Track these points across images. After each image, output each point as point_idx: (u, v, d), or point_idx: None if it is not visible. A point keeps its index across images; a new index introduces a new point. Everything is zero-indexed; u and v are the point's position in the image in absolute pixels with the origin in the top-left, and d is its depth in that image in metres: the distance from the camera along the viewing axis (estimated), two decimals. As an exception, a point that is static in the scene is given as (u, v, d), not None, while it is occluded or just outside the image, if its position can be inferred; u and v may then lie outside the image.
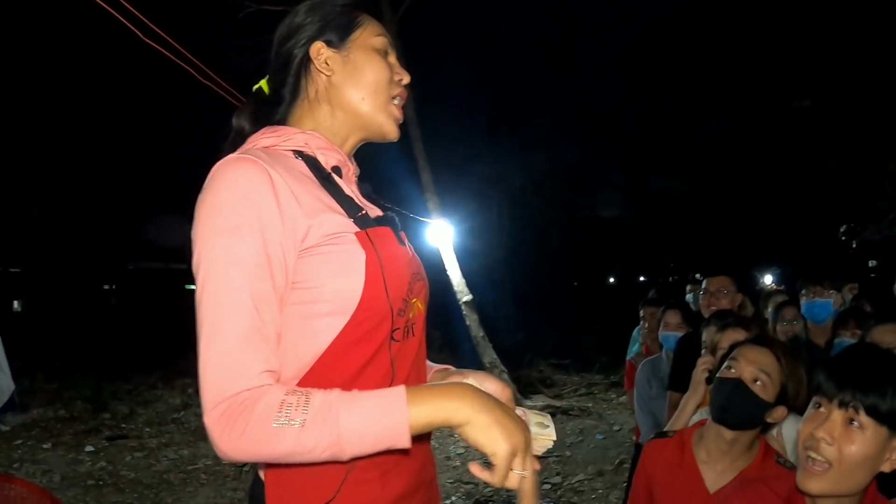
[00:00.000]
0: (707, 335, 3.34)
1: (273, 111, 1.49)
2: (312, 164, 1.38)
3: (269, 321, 1.23)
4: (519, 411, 1.39)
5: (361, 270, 1.29)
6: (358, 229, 1.33)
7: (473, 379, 1.46)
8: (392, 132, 1.51)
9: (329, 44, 1.45)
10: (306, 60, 1.46)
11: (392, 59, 1.51)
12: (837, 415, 1.59)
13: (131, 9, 4.73)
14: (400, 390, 1.19)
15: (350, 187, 1.44)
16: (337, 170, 1.44)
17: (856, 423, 1.56)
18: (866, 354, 1.69)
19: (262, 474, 1.35)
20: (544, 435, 1.41)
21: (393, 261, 1.35)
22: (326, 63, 1.45)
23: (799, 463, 1.66)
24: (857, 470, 1.58)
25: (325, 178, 1.38)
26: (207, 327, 1.20)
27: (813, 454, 1.59)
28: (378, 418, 1.16)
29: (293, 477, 1.30)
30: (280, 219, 1.25)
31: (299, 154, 1.38)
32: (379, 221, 1.41)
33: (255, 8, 10.19)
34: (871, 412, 1.55)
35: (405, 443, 1.17)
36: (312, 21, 1.47)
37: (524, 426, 1.21)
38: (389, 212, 1.50)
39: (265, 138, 1.40)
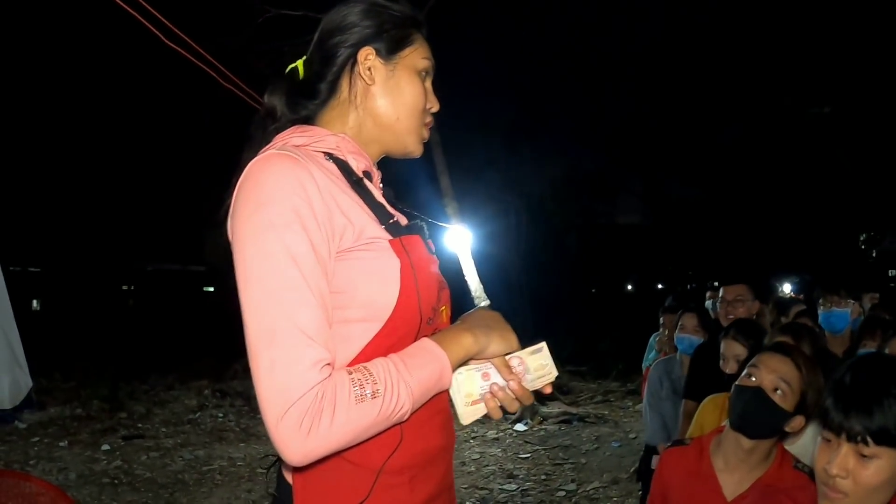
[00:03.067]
0: (725, 346, 3.32)
1: (306, 104, 1.46)
2: (343, 167, 1.36)
3: (329, 315, 1.23)
4: (515, 360, 1.42)
5: (396, 279, 1.28)
6: (391, 237, 1.32)
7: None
8: (417, 151, 1.51)
9: (378, 52, 1.43)
10: (352, 62, 1.43)
11: (428, 84, 1.50)
12: (847, 448, 1.55)
13: (155, 13, 4.77)
14: (430, 342, 1.30)
15: (378, 194, 1.42)
16: (367, 174, 1.42)
17: (868, 454, 1.53)
18: (868, 380, 1.60)
19: (289, 478, 1.33)
20: (545, 374, 1.45)
21: (424, 270, 1.35)
22: (370, 71, 1.42)
23: (819, 488, 1.63)
24: (877, 493, 1.56)
25: (356, 183, 1.36)
26: (267, 326, 1.17)
27: (829, 490, 1.57)
28: (430, 367, 1.26)
29: (323, 482, 1.29)
30: (323, 216, 1.24)
31: (329, 156, 1.36)
32: (409, 229, 1.40)
33: (274, 12, 10.23)
34: (881, 440, 1.51)
35: (448, 382, 1.31)
36: (367, 24, 1.44)
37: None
38: (416, 219, 1.49)
39: (296, 137, 1.37)
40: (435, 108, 1.51)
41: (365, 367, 1.20)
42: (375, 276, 1.27)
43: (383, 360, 1.23)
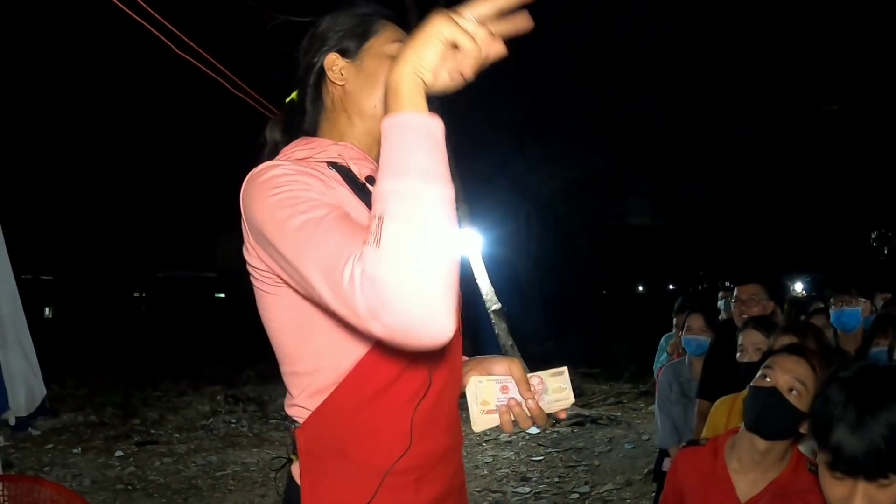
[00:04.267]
0: (744, 336, 3.31)
1: (300, 123, 1.52)
2: (346, 174, 1.39)
3: (360, 229, 1.15)
4: (535, 378, 1.44)
5: None
6: None
7: (481, 365, 1.52)
8: None
9: (344, 53, 1.47)
10: (322, 72, 1.49)
11: None
12: (863, 486, 1.51)
13: (165, 22, 4.81)
14: (382, 122, 1.11)
15: None
16: (371, 179, 1.43)
17: (886, 483, 1.48)
18: (873, 418, 1.50)
19: (297, 478, 1.36)
20: (563, 398, 1.44)
21: None
22: (341, 73, 1.47)
23: None
24: None
25: (360, 189, 1.38)
26: (316, 272, 1.12)
27: None
28: (396, 137, 1.08)
29: (330, 481, 1.32)
30: (331, 193, 1.27)
31: (333, 165, 1.39)
32: None
33: (282, 19, 10.26)
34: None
35: (426, 120, 1.09)
36: (333, 31, 1.49)
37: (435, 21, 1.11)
38: None
39: (299, 150, 1.41)
40: None
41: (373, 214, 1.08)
42: None
43: (376, 188, 1.10)
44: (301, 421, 1.35)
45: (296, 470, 1.38)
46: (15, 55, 17.23)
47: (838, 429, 1.52)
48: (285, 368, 1.39)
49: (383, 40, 1.49)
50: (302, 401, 1.35)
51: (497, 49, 1.13)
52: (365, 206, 1.34)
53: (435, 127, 1.10)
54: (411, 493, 1.33)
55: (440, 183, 1.07)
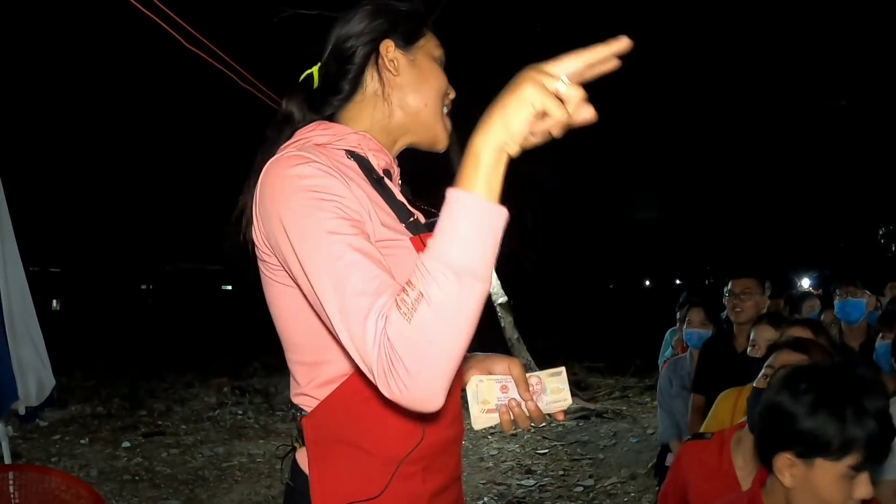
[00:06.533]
0: (756, 332, 3.31)
1: (327, 100, 1.47)
2: (364, 165, 1.38)
3: (380, 261, 1.18)
4: (534, 378, 1.45)
5: None
6: (411, 234, 1.34)
7: (482, 363, 1.52)
8: (444, 143, 1.53)
9: (398, 44, 1.46)
10: (374, 55, 1.46)
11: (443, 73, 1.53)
12: (866, 474, 1.58)
13: (173, 15, 4.82)
14: (449, 191, 1.09)
15: (398, 192, 1.44)
16: (387, 173, 1.44)
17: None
18: (874, 412, 1.61)
19: (304, 468, 1.36)
20: (560, 399, 1.45)
21: None
22: (394, 62, 1.45)
23: None
24: None
25: (377, 181, 1.38)
26: (333, 299, 1.13)
27: None
28: (453, 217, 1.07)
29: (339, 470, 1.32)
30: (351, 197, 1.24)
31: (351, 154, 1.37)
32: (429, 227, 1.40)
33: (290, 12, 10.25)
34: None
35: (498, 212, 1.07)
36: (381, 20, 1.47)
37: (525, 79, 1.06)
38: (434, 217, 1.50)
39: (318, 135, 1.38)
40: (452, 94, 1.54)
41: (407, 280, 1.09)
42: (397, 273, 1.25)
43: (420, 255, 1.10)
44: (308, 410, 1.34)
45: (301, 458, 1.38)
46: (24, 49, 17.27)
47: (866, 436, 1.58)
48: (292, 357, 1.38)
49: (432, 44, 1.50)
50: (310, 390, 1.34)
51: (587, 115, 1.07)
52: (382, 200, 1.35)
53: (500, 221, 1.08)
54: (419, 483, 1.34)
55: (484, 283, 1.07)
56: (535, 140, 1.10)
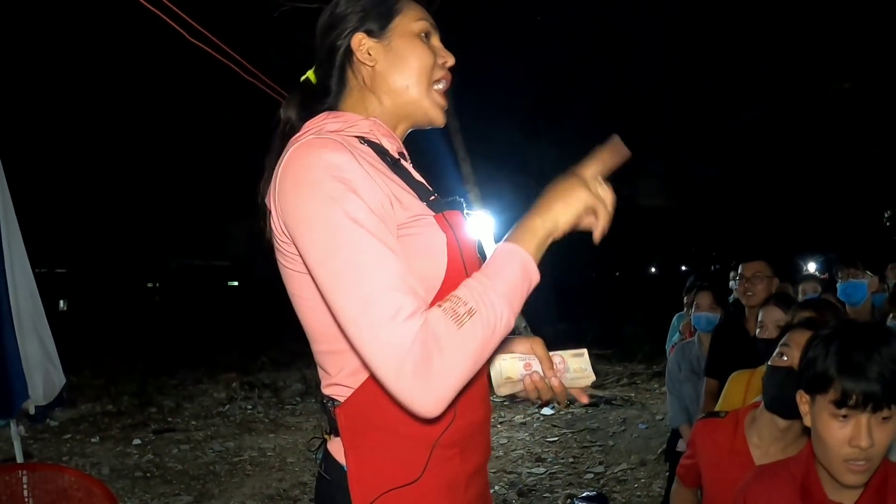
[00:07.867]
0: (764, 313, 3.30)
1: (321, 101, 1.49)
2: (379, 150, 1.39)
3: (405, 261, 1.23)
4: (557, 357, 1.48)
5: (443, 253, 1.32)
6: (434, 212, 1.35)
7: (504, 345, 1.52)
8: (438, 118, 1.52)
9: (370, 33, 1.46)
10: (349, 52, 1.47)
11: (435, 41, 1.52)
12: (868, 418, 1.57)
13: (176, 9, 4.82)
14: (503, 244, 1.28)
15: (415, 172, 1.46)
16: (403, 155, 1.46)
17: (887, 415, 1.57)
18: (872, 350, 1.60)
19: (339, 459, 1.35)
20: (584, 377, 1.49)
21: (468, 243, 1.38)
22: (369, 53, 1.45)
23: (835, 468, 1.64)
24: (888, 447, 1.61)
25: (394, 164, 1.39)
26: (356, 294, 1.17)
27: (853, 463, 1.60)
28: (511, 266, 1.25)
29: (376, 457, 1.32)
30: (374, 186, 1.26)
31: (364, 140, 1.38)
32: (450, 205, 1.42)
33: (290, 6, 10.24)
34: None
35: (535, 275, 1.27)
36: (353, 11, 1.47)
37: (576, 181, 1.34)
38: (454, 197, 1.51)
39: (330, 123, 1.38)
40: (450, 61, 1.53)
41: (453, 295, 1.21)
42: (424, 251, 1.29)
43: (466, 281, 1.23)
44: (342, 399, 1.33)
45: (335, 448, 1.37)
46: (28, 46, 17.28)
47: (844, 369, 1.59)
48: (320, 348, 1.37)
49: (409, 19, 1.48)
50: (342, 379, 1.33)
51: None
52: (401, 181, 1.37)
53: (536, 280, 1.28)
54: (458, 464, 1.35)
55: (514, 318, 1.24)
56: (579, 228, 1.35)
